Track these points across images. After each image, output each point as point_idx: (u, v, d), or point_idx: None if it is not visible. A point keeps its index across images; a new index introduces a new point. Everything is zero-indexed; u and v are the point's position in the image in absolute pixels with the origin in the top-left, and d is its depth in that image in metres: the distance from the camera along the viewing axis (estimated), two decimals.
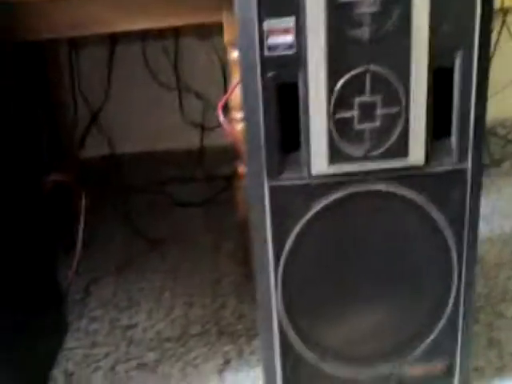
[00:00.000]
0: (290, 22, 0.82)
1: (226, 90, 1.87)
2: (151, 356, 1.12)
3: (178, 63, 1.82)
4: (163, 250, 1.49)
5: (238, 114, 1.25)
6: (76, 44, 1.78)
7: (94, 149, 1.83)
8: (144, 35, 1.79)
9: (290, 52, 0.84)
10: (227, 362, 1.09)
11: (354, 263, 0.91)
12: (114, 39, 1.78)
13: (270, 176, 0.87)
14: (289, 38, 0.83)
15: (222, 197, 1.77)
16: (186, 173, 1.91)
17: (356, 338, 0.95)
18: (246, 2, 0.81)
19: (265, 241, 0.89)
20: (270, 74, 0.84)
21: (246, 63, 0.84)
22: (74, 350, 1.16)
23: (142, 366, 1.10)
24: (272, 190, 0.87)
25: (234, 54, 1.23)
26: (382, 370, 0.96)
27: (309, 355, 0.94)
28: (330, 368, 0.95)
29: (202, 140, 1.88)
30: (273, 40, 0.83)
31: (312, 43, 0.82)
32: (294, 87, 0.86)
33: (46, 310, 1.13)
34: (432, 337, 0.95)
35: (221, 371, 1.07)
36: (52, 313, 1.17)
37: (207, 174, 1.92)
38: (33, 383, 1.03)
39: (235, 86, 1.24)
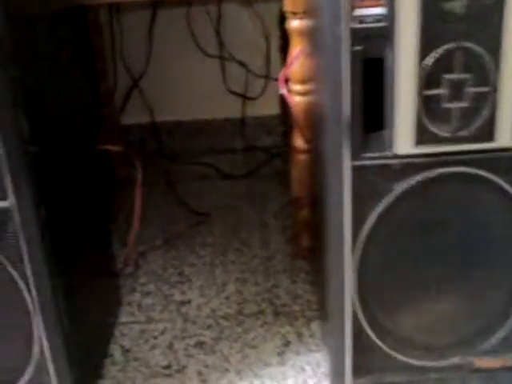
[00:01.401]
0: None
1: (268, 59, 1.82)
2: (208, 334, 1.10)
3: (220, 30, 1.77)
4: (210, 224, 1.46)
5: (298, 86, 1.21)
6: (118, 8, 1.72)
7: (133, 116, 1.79)
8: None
9: (379, 25, 0.79)
10: (286, 345, 1.07)
11: (433, 248, 0.88)
12: (156, 3, 1.73)
13: (353, 155, 0.83)
14: (379, 10, 0.78)
15: (264, 169, 1.75)
16: (226, 143, 1.88)
17: (429, 326, 0.92)
18: None
19: (341, 222, 0.85)
20: (357, 48, 0.79)
21: (330, 36, 0.80)
22: (128, 324, 1.14)
23: (200, 345, 1.07)
24: (354, 169, 0.83)
25: (295, 23, 1.18)
26: (454, 359, 0.94)
27: (381, 342, 0.91)
28: (401, 356, 0.92)
29: (243, 110, 1.84)
30: (362, 11, 0.78)
31: (404, 16, 0.77)
32: (378, 62, 0.82)
33: (102, 282, 1.11)
34: (505, 329, 0.92)
35: (281, 353, 1.05)
36: (107, 285, 1.15)
37: (247, 145, 1.88)
38: (92, 356, 1.02)
39: (296, 57, 1.19)
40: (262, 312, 1.15)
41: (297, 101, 1.19)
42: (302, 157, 1.22)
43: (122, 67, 1.73)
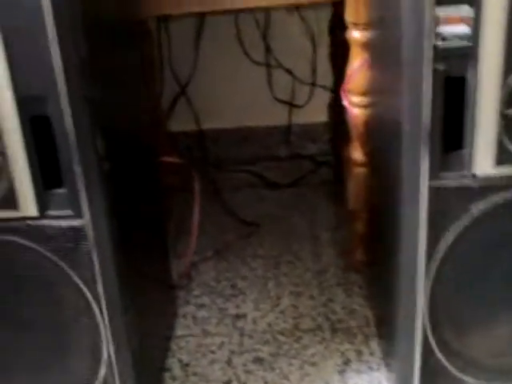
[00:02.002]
0: (467, 10, 0.75)
1: (314, 66, 1.80)
2: (266, 350, 1.09)
3: (268, 37, 1.76)
4: (259, 235, 1.45)
5: (358, 98, 1.19)
6: (165, 15, 1.73)
7: (179, 123, 1.79)
8: None
9: (463, 43, 0.77)
10: (346, 363, 1.05)
11: (508, 270, 0.86)
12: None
13: (431, 174, 0.81)
14: (464, 28, 0.76)
15: (310, 178, 1.73)
16: (271, 151, 1.86)
17: (501, 348, 0.90)
18: None
19: (416, 242, 0.84)
20: (440, 66, 0.77)
21: (411, 52, 0.78)
22: (185, 337, 1.13)
23: (259, 361, 1.06)
24: (431, 189, 0.81)
25: (356, 34, 1.16)
26: None
27: (450, 365, 0.89)
28: (471, 379, 0.90)
29: (289, 117, 1.82)
30: (446, 29, 0.76)
31: (489, 35, 0.75)
32: (458, 81, 0.80)
33: (160, 295, 1.11)
34: None
35: (341, 372, 1.03)
36: (163, 298, 1.15)
37: (292, 153, 1.87)
38: (153, 371, 1.01)
39: (357, 69, 1.18)
40: (319, 328, 1.14)
41: (356, 113, 1.18)
42: (360, 170, 1.20)
43: (169, 74, 1.74)
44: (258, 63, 1.76)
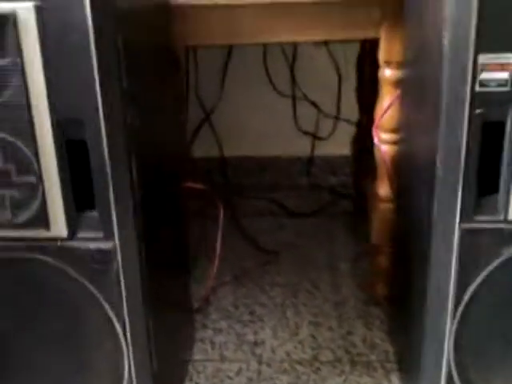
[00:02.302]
0: (508, 57, 0.78)
1: (339, 100, 1.83)
2: (285, 379, 1.09)
3: (294, 69, 1.79)
4: (278, 263, 1.46)
5: (388, 135, 1.21)
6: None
7: (202, 149, 1.81)
8: None
9: (503, 89, 0.79)
10: None
11: None
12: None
13: (463, 217, 0.82)
14: (504, 75, 0.79)
15: (330, 209, 1.75)
16: (291, 180, 1.89)
17: None
18: (461, 32, 0.76)
19: (446, 284, 0.85)
20: (478, 111, 0.79)
21: (451, 96, 0.79)
22: (202, 362, 1.14)
23: None
24: (463, 231, 0.82)
25: (389, 73, 1.18)
26: None
27: None
28: None
29: (312, 149, 1.85)
30: (487, 75, 0.78)
31: None
32: (496, 126, 0.82)
33: (179, 319, 1.12)
34: None
35: None
36: (182, 321, 1.15)
37: (312, 184, 1.89)
38: None
39: (388, 107, 1.20)
40: (338, 360, 1.14)
41: (385, 149, 1.20)
42: (385, 205, 1.21)
43: (194, 101, 1.76)
44: (283, 94, 1.80)
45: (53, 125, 0.71)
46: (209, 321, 1.26)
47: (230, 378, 1.10)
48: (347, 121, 1.76)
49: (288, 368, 1.12)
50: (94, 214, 0.76)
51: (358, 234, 1.63)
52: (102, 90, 0.70)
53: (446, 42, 0.78)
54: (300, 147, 1.84)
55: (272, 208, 1.72)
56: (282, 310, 1.29)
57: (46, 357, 0.84)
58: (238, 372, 1.12)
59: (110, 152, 0.72)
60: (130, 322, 0.81)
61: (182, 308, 1.13)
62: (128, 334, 0.82)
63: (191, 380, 1.10)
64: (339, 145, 1.82)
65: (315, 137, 1.81)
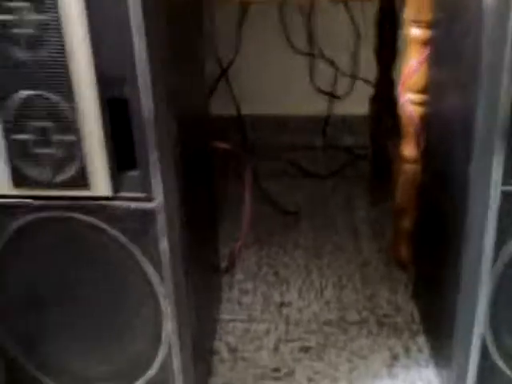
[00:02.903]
0: None
1: (356, 58, 1.79)
2: (314, 340, 1.10)
3: (311, 27, 1.75)
4: (299, 225, 1.45)
5: (414, 96, 1.18)
6: None
7: (218, 108, 1.78)
8: None
9: None
10: (394, 358, 1.05)
11: None
12: None
13: (504, 179, 0.81)
14: None
15: (347, 170, 1.73)
16: (307, 140, 1.86)
17: None
18: None
19: (482, 246, 0.84)
20: None
21: (492, 56, 0.76)
22: (231, 322, 1.14)
23: (306, 350, 1.07)
24: (504, 194, 0.81)
25: (416, 32, 1.15)
26: None
27: (508, 369, 0.89)
28: None
29: (329, 108, 1.82)
30: None
31: None
32: None
33: (210, 278, 1.11)
34: None
35: (390, 367, 1.04)
36: (212, 281, 1.15)
37: (328, 144, 1.87)
38: (203, 351, 1.02)
39: (416, 67, 1.17)
40: (365, 321, 1.14)
41: (412, 110, 1.17)
42: (411, 167, 1.20)
43: (210, 58, 1.73)
44: (300, 52, 1.76)
45: (94, 82, 0.69)
46: (235, 281, 1.26)
47: (259, 337, 1.11)
48: (365, 80, 1.73)
49: (316, 328, 1.13)
50: (136, 173, 0.74)
51: (376, 195, 1.63)
52: (147, 46, 0.67)
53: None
54: (316, 106, 1.81)
55: (288, 168, 1.71)
56: (306, 272, 1.29)
57: (85, 318, 0.83)
58: (267, 332, 1.12)
59: (152, 110, 0.70)
60: (171, 280, 0.80)
61: (212, 268, 1.13)
62: (168, 294, 0.81)
63: (221, 340, 1.10)
64: (356, 104, 1.78)
65: (332, 96, 1.79)
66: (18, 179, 0.75)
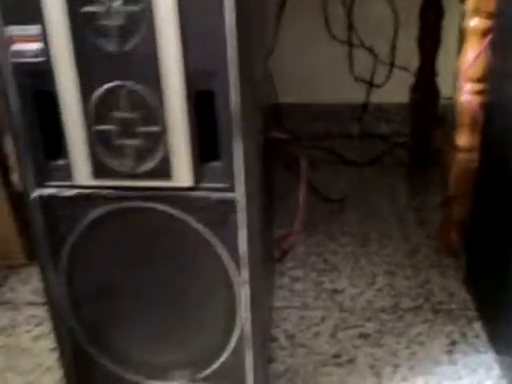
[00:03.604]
0: None
1: (394, 48, 1.79)
2: (370, 326, 1.11)
3: (352, 15, 1.74)
4: (343, 213, 1.46)
5: (472, 85, 1.18)
6: None
7: None
8: None
9: None
10: (453, 344, 1.06)
11: None
12: None
13: None
14: None
15: (385, 158, 1.73)
16: (343, 128, 1.87)
17: None
18: None
19: None
20: None
21: None
22: (286, 309, 1.15)
23: (364, 337, 1.08)
24: None
25: (476, 23, 1.14)
26: None
27: None
28: None
29: (367, 96, 1.82)
30: None
31: None
32: None
33: (268, 266, 1.12)
34: None
35: (449, 353, 1.04)
36: (269, 269, 1.16)
37: (364, 132, 1.87)
38: (266, 338, 1.03)
39: (475, 57, 1.17)
40: (419, 308, 1.15)
41: (469, 99, 1.17)
42: (465, 156, 1.20)
43: None
44: (339, 40, 1.76)
45: (182, 74, 0.69)
46: (285, 268, 1.27)
47: (316, 324, 1.12)
48: (404, 68, 1.73)
49: (371, 315, 1.14)
50: (219, 164, 0.75)
51: (417, 183, 1.63)
52: (238, 39, 0.68)
53: None
54: (353, 94, 1.81)
55: (325, 156, 1.72)
56: (354, 259, 1.30)
57: (159, 307, 0.84)
58: (323, 319, 1.13)
59: (240, 103, 0.71)
60: (249, 270, 0.81)
61: (269, 255, 1.14)
62: (245, 282, 0.82)
63: (278, 327, 1.11)
64: (393, 92, 1.79)
65: (371, 84, 1.78)
66: (99, 170, 0.75)
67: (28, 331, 1.12)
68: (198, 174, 0.75)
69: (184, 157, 0.74)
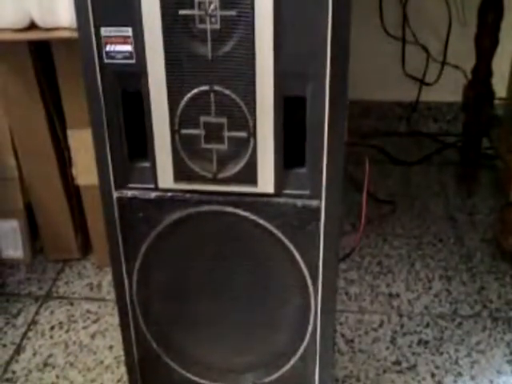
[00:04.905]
0: None
1: (447, 45, 1.75)
2: (429, 333, 1.09)
3: (407, 11, 1.71)
4: (395, 213, 1.44)
5: None
6: None
7: None
8: None
9: None
10: None
11: None
12: None
13: None
14: None
15: (434, 157, 1.71)
16: (391, 125, 1.84)
17: None
18: None
19: None
20: None
21: None
22: (343, 313, 1.14)
23: (424, 343, 1.07)
24: None
25: None
26: None
27: None
28: None
29: (418, 95, 1.79)
30: None
31: None
32: None
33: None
34: None
35: (511, 362, 1.04)
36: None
37: (412, 130, 1.84)
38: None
39: None
40: (478, 315, 1.13)
41: None
42: None
43: None
44: (393, 36, 1.73)
45: (275, 80, 0.68)
46: (340, 270, 1.26)
47: (375, 329, 1.11)
48: (456, 67, 1.70)
49: (430, 322, 1.12)
50: (303, 171, 0.74)
51: (467, 185, 1.60)
52: (332, 44, 0.66)
53: None
54: (403, 92, 1.78)
55: (375, 154, 1.69)
56: (409, 262, 1.28)
57: (233, 310, 0.84)
58: (381, 324, 1.12)
59: (330, 109, 0.70)
60: (324, 279, 0.80)
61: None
62: (319, 291, 0.81)
63: (336, 331, 1.11)
64: (443, 91, 1.76)
65: (423, 82, 1.75)
66: (182, 173, 0.75)
67: (85, 327, 1.13)
68: (282, 181, 0.74)
69: (269, 163, 0.73)
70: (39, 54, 1.12)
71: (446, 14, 1.67)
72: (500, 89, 1.61)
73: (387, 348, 1.06)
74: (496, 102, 1.59)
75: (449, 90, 1.73)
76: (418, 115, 1.80)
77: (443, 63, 1.72)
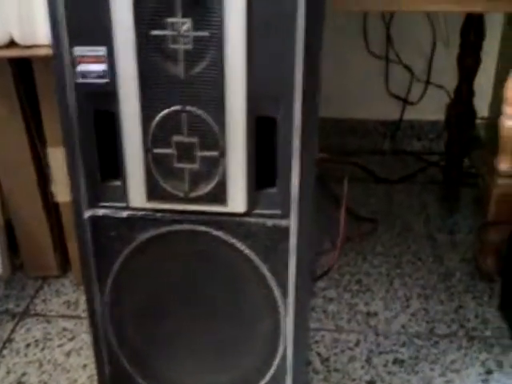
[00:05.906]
0: None
1: (431, 66, 1.77)
2: (405, 353, 1.10)
3: (390, 32, 1.73)
4: (377, 232, 1.45)
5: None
6: None
7: None
8: None
9: None
10: (489, 373, 1.06)
11: None
12: None
13: None
14: None
15: (418, 176, 1.71)
16: (374, 144, 1.86)
17: None
18: None
19: None
20: None
21: None
22: (319, 331, 1.15)
23: (399, 363, 1.07)
24: None
25: None
26: None
27: None
28: None
29: (401, 113, 1.80)
30: None
31: None
32: None
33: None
34: None
35: (485, 382, 1.04)
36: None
37: (395, 148, 1.86)
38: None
39: None
40: (454, 334, 1.14)
41: (510, 125, 1.17)
42: (506, 181, 1.19)
43: None
44: (377, 56, 1.75)
45: (246, 100, 0.69)
46: (317, 288, 1.27)
47: (351, 348, 1.11)
48: (439, 86, 1.71)
49: (406, 341, 1.13)
50: (274, 190, 0.75)
51: (449, 204, 1.62)
52: (304, 68, 0.67)
53: None
54: (387, 111, 1.80)
55: (357, 172, 1.70)
56: (388, 281, 1.29)
57: (204, 330, 0.84)
58: (357, 343, 1.12)
59: (302, 130, 0.71)
60: (295, 297, 0.80)
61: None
62: (290, 310, 0.81)
63: (311, 350, 1.11)
64: (426, 110, 1.78)
65: (406, 101, 1.77)
66: (153, 192, 0.75)
67: (60, 345, 1.12)
68: (253, 200, 0.75)
69: (240, 182, 0.74)
70: (21, 72, 1.13)
71: (430, 35, 1.69)
72: (482, 108, 1.63)
73: (362, 367, 1.06)
74: (478, 121, 1.62)
75: (432, 108, 1.75)
76: (402, 134, 1.82)
77: (427, 82, 1.74)
